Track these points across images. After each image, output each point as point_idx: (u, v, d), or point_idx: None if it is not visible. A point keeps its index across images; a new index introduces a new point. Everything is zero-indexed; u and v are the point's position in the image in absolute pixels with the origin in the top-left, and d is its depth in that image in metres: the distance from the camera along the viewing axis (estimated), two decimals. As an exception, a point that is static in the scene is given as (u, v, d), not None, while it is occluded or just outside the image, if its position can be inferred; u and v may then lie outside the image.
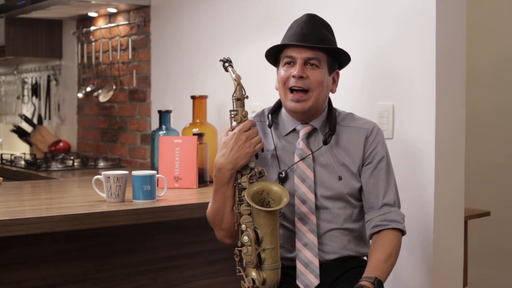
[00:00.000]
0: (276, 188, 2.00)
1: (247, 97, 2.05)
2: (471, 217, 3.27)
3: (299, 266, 2.06)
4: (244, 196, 1.98)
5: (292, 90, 2.06)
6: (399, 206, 2.13)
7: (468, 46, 2.52)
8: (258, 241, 1.95)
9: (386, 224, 2.06)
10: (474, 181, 3.81)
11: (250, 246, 1.95)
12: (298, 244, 2.07)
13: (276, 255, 1.97)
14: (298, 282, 2.06)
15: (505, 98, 4.26)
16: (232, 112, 2.06)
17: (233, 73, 2.05)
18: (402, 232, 2.09)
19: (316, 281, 2.04)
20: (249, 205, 1.97)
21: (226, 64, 2.07)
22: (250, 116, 2.18)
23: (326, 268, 2.07)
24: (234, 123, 2.06)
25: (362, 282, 1.92)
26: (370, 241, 2.12)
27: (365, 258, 2.16)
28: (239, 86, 2.04)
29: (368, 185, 2.10)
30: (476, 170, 4.07)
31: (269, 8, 3.03)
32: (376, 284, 1.92)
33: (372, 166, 2.10)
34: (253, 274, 1.96)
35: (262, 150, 2.09)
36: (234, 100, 2.05)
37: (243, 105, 2.05)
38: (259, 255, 1.95)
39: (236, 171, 2.02)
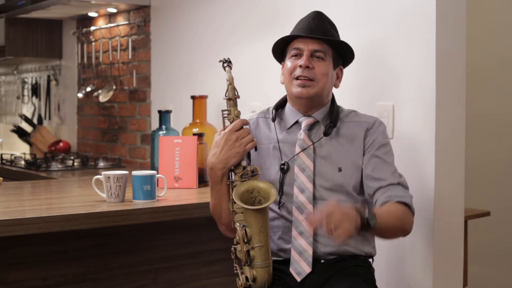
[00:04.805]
0: (262, 185, 2.03)
1: (238, 97, 2.09)
2: (471, 217, 3.26)
3: (293, 253, 2.07)
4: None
5: (298, 78, 2.09)
6: (406, 188, 2.09)
7: (468, 46, 2.51)
8: (247, 239, 1.97)
9: (392, 198, 2.02)
10: (474, 181, 3.81)
11: (239, 244, 1.98)
12: (294, 232, 2.08)
13: (266, 253, 1.99)
14: (291, 270, 2.06)
15: (505, 98, 4.26)
16: (225, 112, 2.09)
17: (228, 73, 2.09)
18: (410, 208, 2.04)
19: (308, 269, 2.04)
20: None
21: (225, 65, 2.12)
22: (255, 114, 2.24)
23: (326, 264, 2.06)
24: (228, 123, 2.09)
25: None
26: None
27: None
28: (231, 86, 2.08)
29: (369, 170, 2.09)
30: (476, 170, 4.06)
31: (269, 8, 3.03)
32: (370, 216, 1.86)
33: (371, 152, 2.10)
34: (247, 272, 1.99)
35: (256, 149, 2.12)
36: (226, 100, 2.09)
37: (235, 105, 2.09)
38: (248, 252, 1.97)
39: (228, 170, 2.05)
